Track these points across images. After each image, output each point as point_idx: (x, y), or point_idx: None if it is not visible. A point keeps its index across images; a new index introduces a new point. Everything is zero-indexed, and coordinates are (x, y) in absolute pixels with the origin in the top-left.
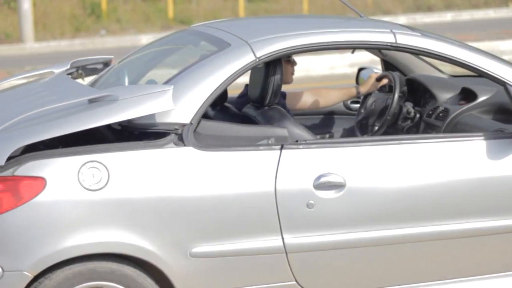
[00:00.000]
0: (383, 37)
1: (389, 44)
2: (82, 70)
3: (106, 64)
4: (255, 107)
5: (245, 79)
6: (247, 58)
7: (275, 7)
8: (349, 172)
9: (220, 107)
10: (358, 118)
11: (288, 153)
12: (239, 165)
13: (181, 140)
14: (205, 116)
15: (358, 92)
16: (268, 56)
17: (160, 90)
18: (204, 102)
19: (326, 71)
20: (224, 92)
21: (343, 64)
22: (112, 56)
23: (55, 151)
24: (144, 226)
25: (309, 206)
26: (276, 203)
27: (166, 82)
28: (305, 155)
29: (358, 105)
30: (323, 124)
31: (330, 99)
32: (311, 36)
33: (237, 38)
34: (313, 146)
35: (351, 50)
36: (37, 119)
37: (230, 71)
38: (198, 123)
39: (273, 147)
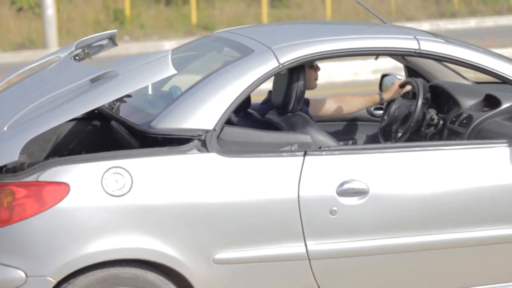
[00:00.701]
0: (407, 43)
1: (412, 50)
2: (88, 49)
3: (111, 38)
4: (279, 114)
5: (268, 85)
6: (271, 64)
7: (298, 13)
8: (372, 179)
9: (244, 114)
10: (381, 125)
11: (311, 160)
12: (262, 171)
13: (204, 146)
14: (228, 122)
15: (381, 99)
16: (292, 62)
17: (158, 57)
18: (227, 108)
19: (349, 78)
20: (248, 98)
21: (367, 71)
22: (115, 30)
23: (78, 156)
24: (167, 232)
25: (332, 212)
26: (299, 210)
27: (190, 88)
28: (328, 162)
29: (381, 112)
30: (346, 131)
31: (354, 105)
32: (335, 42)
33: (261, 44)
34: (336, 152)
35: (375, 57)
36: (43, 108)
37: (253, 77)
38: (222, 129)
39: (296, 153)
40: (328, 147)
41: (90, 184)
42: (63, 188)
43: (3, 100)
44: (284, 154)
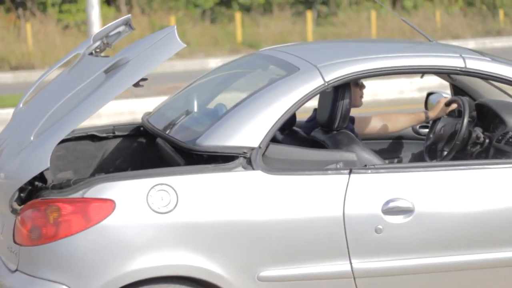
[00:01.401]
0: (453, 61)
1: (458, 69)
2: (107, 39)
3: (127, 23)
4: (324, 131)
5: (313, 103)
6: (316, 82)
7: (343, 31)
8: (417, 197)
9: (289, 131)
10: (427, 143)
11: (357, 178)
12: (308, 189)
13: (249, 163)
14: (274, 140)
15: (427, 117)
16: (337, 80)
17: (165, 34)
18: (272, 126)
19: (394, 96)
20: (293, 116)
21: (412, 89)
22: (129, 15)
23: (124, 173)
24: (212, 249)
25: (377, 231)
26: (344, 228)
27: (235, 106)
28: (373, 180)
29: (427, 130)
30: (392, 149)
31: (399, 124)
32: (380, 61)
33: (306, 62)
34: (381, 170)
35: (420, 75)
36: (64, 110)
37: (298, 95)
38: (267, 147)
39: (342, 171)
40: (374, 165)
41: (135, 201)
42: (109, 204)
43: (29, 110)
44: (330, 172)
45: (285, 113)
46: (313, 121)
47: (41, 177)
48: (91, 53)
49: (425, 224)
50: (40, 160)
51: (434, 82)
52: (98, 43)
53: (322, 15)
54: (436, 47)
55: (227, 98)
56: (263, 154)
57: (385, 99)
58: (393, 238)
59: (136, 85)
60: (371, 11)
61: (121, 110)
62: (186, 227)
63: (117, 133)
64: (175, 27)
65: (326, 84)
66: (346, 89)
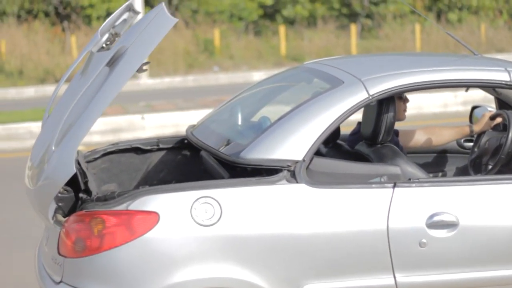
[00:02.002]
0: (498, 75)
1: (503, 82)
2: (114, 29)
3: (130, 9)
4: (368, 145)
5: (357, 116)
6: (360, 96)
7: (387, 45)
8: (462, 211)
9: (333, 145)
10: (471, 157)
11: (401, 192)
12: (352, 202)
13: (293, 177)
14: (318, 153)
15: (471, 131)
16: (381, 94)
17: (155, 14)
18: (317, 139)
19: (438, 109)
20: (337, 129)
21: (456, 102)
22: (129, 0)
23: (168, 186)
24: (255, 262)
25: (421, 245)
26: (388, 242)
27: (279, 119)
28: (418, 194)
29: (471, 144)
30: (436, 163)
31: (443, 137)
32: (425, 74)
33: (350, 75)
34: (426, 184)
35: (465, 88)
36: (76, 113)
37: (343, 108)
38: (311, 160)
39: (386, 185)
40: (418, 179)
41: (179, 214)
42: (153, 217)
43: (51, 119)
44: (374, 185)
45: (329, 126)
46: (357, 135)
47: (85, 189)
48: (102, 47)
49: (469, 238)
50: (64, 169)
51: (478, 95)
52: (106, 36)
53: (366, 29)
54: (481, 60)
55: (271, 111)
56: (307, 167)
57: (429, 113)
58: (437, 252)
59: (140, 70)
60: (415, 24)
61: (165, 123)
62: (230, 240)
63: (161, 146)
64: (163, 4)
65: (371, 97)
66: (391, 103)
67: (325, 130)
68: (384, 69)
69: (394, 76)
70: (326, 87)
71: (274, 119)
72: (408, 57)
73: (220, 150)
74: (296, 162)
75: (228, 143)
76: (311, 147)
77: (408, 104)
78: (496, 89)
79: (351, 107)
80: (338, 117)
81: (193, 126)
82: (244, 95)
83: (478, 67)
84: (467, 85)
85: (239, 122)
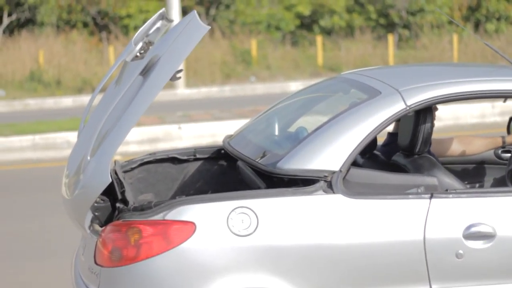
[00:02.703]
0: None
1: None
2: (147, 38)
3: (163, 17)
4: (405, 155)
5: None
6: (398, 106)
7: (424, 55)
8: (499, 223)
9: (369, 155)
10: (509, 168)
11: (438, 202)
12: (388, 213)
13: (330, 187)
14: (354, 163)
15: (503, 142)
16: (419, 105)
17: (187, 22)
18: (354, 150)
19: (476, 120)
20: (374, 140)
21: (494, 113)
22: (163, 9)
23: (205, 196)
24: (292, 273)
25: (458, 256)
26: (425, 252)
27: (316, 129)
28: (455, 205)
29: (509, 155)
30: (473, 173)
31: (476, 147)
32: (462, 85)
33: (388, 86)
34: (463, 195)
35: (503, 99)
36: (111, 122)
37: (380, 119)
38: (348, 171)
39: (423, 195)
40: (455, 190)
41: (216, 224)
42: (190, 227)
43: (86, 129)
44: (410, 196)
45: (366, 137)
46: (389, 146)
47: (122, 198)
48: (136, 56)
49: (506, 249)
50: (100, 178)
51: None
52: (140, 44)
53: (403, 39)
54: None
55: (308, 122)
56: (344, 178)
57: (466, 124)
58: (474, 263)
59: (173, 78)
60: (453, 34)
61: (201, 133)
62: (266, 250)
63: (198, 156)
64: (195, 12)
65: (408, 108)
66: (428, 113)
67: (362, 141)
68: (422, 79)
69: (431, 87)
70: (363, 97)
71: (311, 130)
72: (446, 67)
73: (257, 160)
74: (333, 172)
75: (264, 154)
76: (348, 157)
77: (445, 115)
78: None
79: (388, 117)
80: (375, 128)
81: (230, 136)
82: (281, 105)
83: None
84: (505, 96)
85: (276, 133)
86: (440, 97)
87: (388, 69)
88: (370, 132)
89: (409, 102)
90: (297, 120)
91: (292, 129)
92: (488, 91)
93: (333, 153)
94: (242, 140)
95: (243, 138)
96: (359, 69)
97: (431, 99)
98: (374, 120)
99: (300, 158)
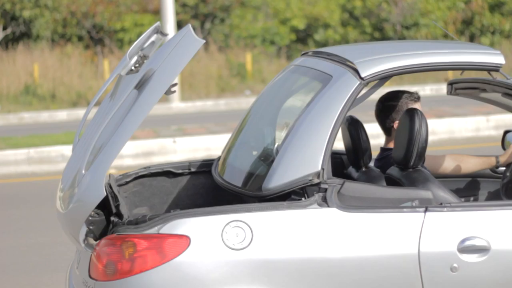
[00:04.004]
0: (491, 58)
1: (498, 64)
2: (142, 52)
3: (158, 31)
4: (399, 169)
5: (380, 141)
6: (352, 84)
7: None
8: (494, 236)
9: (365, 169)
10: (503, 181)
11: (432, 216)
12: (383, 227)
13: (325, 201)
14: (349, 177)
15: (497, 162)
16: (373, 76)
17: (182, 35)
18: (327, 144)
19: (470, 133)
20: (368, 153)
21: (488, 126)
22: (158, 22)
23: (199, 209)
24: (286, 286)
25: (453, 269)
26: (419, 266)
27: (285, 139)
28: (449, 218)
29: (503, 168)
30: (468, 187)
31: (468, 166)
32: (414, 58)
33: (338, 66)
34: (457, 209)
35: (461, 72)
36: (105, 136)
37: (340, 104)
38: (342, 185)
39: (417, 209)
40: (449, 203)
41: (210, 237)
42: (184, 240)
43: (81, 143)
44: (405, 210)
45: (334, 126)
46: (383, 160)
47: (117, 212)
48: (131, 70)
49: (501, 263)
50: (95, 192)
51: (511, 120)
52: (135, 58)
53: None
54: (473, 45)
55: (277, 130)
56: (339, 192)
57: (461, 137)
58: (468, 277)
59: (168, 92)
60: None
61: (196, 147)
62: (261, 264)
63: (192, 170)
64: (190, 25)
65: (363, 81)
66: (423, 127)
67: (332, 132)
68: (375, 53)
69: (384, 60)
70: (317, 87)
71: (281, 140)
72: (399, 43)
73: (245, 188)
74: (317, 173)
75: (248, 178)
76: (325, 153)
77: (440, 129)
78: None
79: (347, 99)
80: (339, 114)
81: (218, 161)
82: (249, 119)
83: (471, 50)
84: (460, 68)
85: (252, 151)
86: (394, 69)
87: (339, 47)
88: (336, 121)
89: (363, 75)
90: (267, 132)
91: (265, 143)
92: (443, 63)
93: (309, 156)
94: (227, 167)
95: (227, 164)
96: (313, 50)
97: (385, 71)
98: (335, 108)
99: (281, 173)
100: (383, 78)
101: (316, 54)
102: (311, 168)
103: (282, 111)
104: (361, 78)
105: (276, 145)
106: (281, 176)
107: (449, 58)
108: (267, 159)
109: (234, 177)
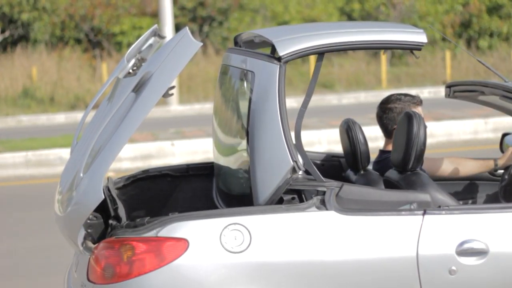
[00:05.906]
0: (414, 37)
1: (420, 43)
2: (140, 54)
3: (155, 34)
4: (398, 172)
5: (379, 144)
6: (274, 71)
7: (417, 71)
8: (492, 239)
9: (363, 172)
10: (502, 184)
11: (431, 219)
12: (381, 230)
13: (323, 204)
14: (348, 180)
15: (495, 165)
16: (292, 55)
17: (180, 38)
18: (285, 137)
19: (468, 136)
20: (367, 156)
21: (486, 129)
22: (155, 25)
23: (198, 213)
24: None
25: (451, 272)
26: (418, 269)
27: (252, 146)
28: (447, 221)
29: (502, 171)
30: (466, 190)
31: (467, 169)
32: (335, 37)
33: (256, 60)
34: (456, 212)
35: (382, 51)
36: (103, 139)
37: (274, 95)
38: (341, 188)
39: (416, 212)
40: (448, 206)
41: (209, 240)
42: (183, 244)
43: (79, 146)
44: (403, 213)
45: (281, 118)
46: (382, 162)
47: (115, 215)
48: (129, 73)
49: (499, 266)
50: (93, 195)
51: (509, 123)
52: (133, 61)
53: (396, 55)
54: (397, 23)
55: (240, 143)
56: (337, 195)
57: (459, 140)
58: (467, 280)
59: (166, 95)
60: (446, 51)
61: (195, 150)
62: (259, 267)
63: (191, 172)
64: (187, 28)
65: (282, 62)
66: (421, 129)
67: (282, 125)
68: (294, 32)
69: (303, 38)
70: (245, 87)
71: (246, 154)
72: (325, 23)
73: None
74: (292, 168)
75: (239, 201)
76: (289, 147)
77: (438, 132)
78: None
79: (278, 86)
80: (279, 105)
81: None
82: (215, 129)
83: (394, 29)
84: (382, 47)
85: (230, 166)
86: (311, 48)
87: (265, 29)
88: (280, 112)
89: (281, 53)
90: (230, 144)
91: (234, 159)
92: (361, 42)
93: (275, 158)
94: (221, 179)
95: (220, 178)
96: (236, 39)
97: (303, 50)
98: (272, 102)
99: (261, 187)
100: (302, 56)
101: (237, 46)
102: (283, 167)
103: (233, 120)
104: (278, 59)
105: (244, 158)
106: (263, 189)
107: (371, 37)
108: (242, 175)
109: (228, 202)
